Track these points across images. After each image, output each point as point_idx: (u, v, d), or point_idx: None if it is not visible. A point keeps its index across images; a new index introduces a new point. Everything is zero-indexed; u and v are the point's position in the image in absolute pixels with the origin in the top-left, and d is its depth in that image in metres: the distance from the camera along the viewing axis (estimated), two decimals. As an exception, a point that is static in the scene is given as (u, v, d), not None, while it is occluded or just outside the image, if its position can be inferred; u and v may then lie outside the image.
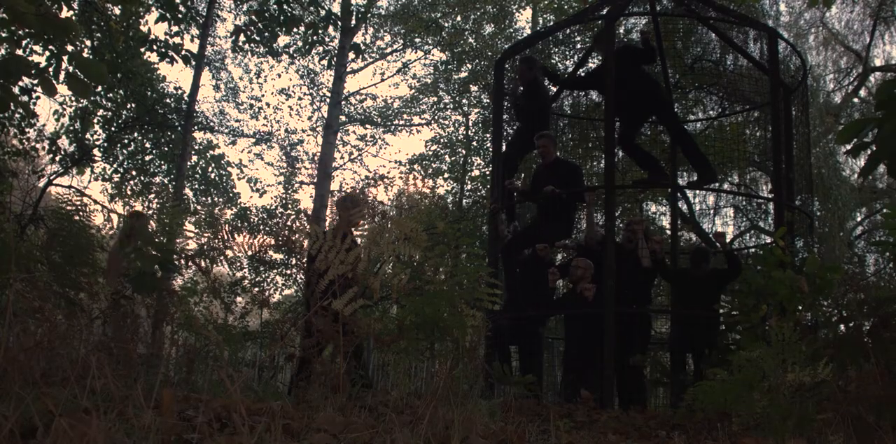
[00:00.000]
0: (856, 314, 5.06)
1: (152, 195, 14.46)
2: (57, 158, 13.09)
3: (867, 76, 18.94)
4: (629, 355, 6.67)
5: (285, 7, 9.88)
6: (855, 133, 3.69)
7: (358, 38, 16.25)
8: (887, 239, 5.41)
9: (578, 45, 12.95)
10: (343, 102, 16.76)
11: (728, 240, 9.75)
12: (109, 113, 13.57)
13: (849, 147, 3.57)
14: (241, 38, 10.54)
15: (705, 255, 7.36)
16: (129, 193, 14.44)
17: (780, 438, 3.23)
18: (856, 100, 19.24)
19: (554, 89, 8.89)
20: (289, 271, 15.94)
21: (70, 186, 12.60)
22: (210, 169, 15.95)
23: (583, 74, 9.59)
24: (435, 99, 18.50)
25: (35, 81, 9.44)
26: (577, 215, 8.03)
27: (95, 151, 13.72)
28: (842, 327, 5.23)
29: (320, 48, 14.42)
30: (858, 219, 18.83)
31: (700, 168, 7.41)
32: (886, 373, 4.01)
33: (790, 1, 19.28)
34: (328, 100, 16.30)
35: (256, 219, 16.80)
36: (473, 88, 17.05)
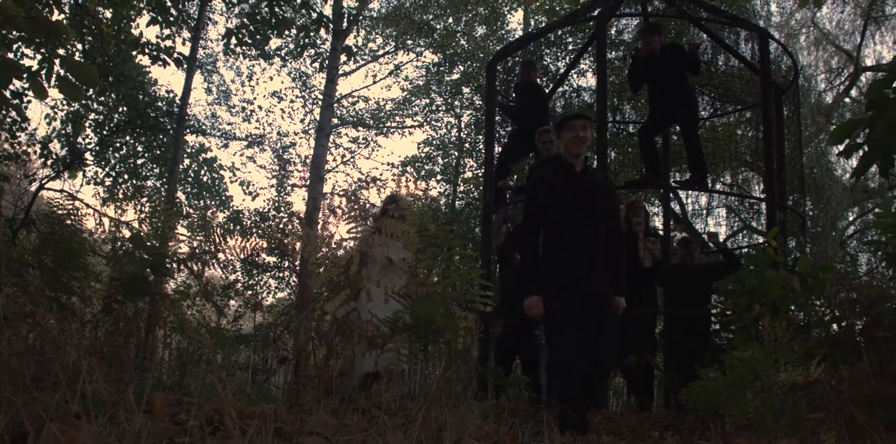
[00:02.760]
0: (848, 314, 5.08)
1: (144, 199, 14.40)
2: (48, 162, 13.05)
3: (858, 76, 18.99)
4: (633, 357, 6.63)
5: (277, 10, 9.86)
6: (847, 134, 3.70)
7: (350, 41, 16.23)
8: (879, 238, 5.42)
9: (570, 46, 12.99)
10: (335, 105, 16.74)
11: (721, 240, 9.76)
12: (101, 116, 13.52)
13: (841, 148, 3.58)
14: (233, 40, 10.51)
15: (696, 242, 7.35)
16: (121, 196, 14.39)
17: (773, 437, 3.23)
18: (847, 100, 19.29)
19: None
20: (282, 274, 15.93)
21: (62, 190, 12.56)
22: (202, 172, 15.92)
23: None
24: (427, 101, 18.50)
25: (26, 85, 9.41)
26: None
27: (87, 155, 13.67)
28: (834, 326, 5.25)
29: (312, 51, 14.40)
30: (850, 219, 18.88)
31: (694, 170, 7.39)
32: (878, 372, 4.02)
33: (781, 1, 19.39)
34: (320, 102, 16.27)
35: (249, 222, 16.77)
36: (465, 90, 17.05)
